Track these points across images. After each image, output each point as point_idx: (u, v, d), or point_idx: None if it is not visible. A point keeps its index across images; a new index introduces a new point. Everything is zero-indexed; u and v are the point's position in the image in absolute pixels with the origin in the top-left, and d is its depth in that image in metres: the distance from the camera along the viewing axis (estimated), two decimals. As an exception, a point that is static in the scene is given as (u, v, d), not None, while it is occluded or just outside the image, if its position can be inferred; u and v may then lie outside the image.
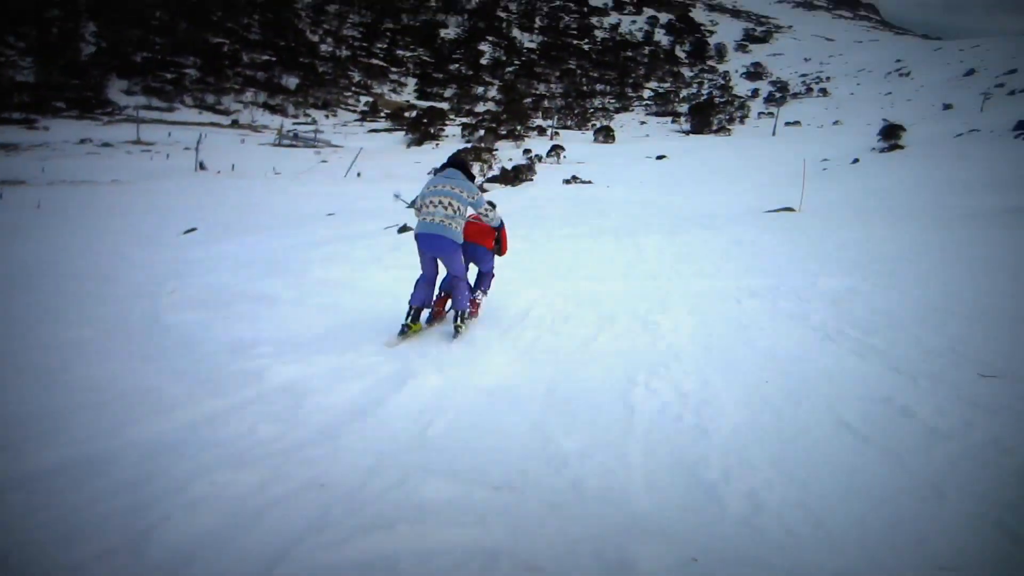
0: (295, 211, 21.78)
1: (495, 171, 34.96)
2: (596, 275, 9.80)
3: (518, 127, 71.65)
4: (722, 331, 6.86)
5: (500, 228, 6.63)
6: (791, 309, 7.47)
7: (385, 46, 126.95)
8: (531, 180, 34.00)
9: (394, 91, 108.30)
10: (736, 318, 7.32)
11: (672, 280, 9.39)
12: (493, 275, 6.86)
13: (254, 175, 40.50)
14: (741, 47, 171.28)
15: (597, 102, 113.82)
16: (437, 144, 63.54)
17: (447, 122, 77.44)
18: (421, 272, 6.11)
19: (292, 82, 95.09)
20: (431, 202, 5.84)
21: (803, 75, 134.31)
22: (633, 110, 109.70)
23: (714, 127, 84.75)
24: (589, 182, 36.00)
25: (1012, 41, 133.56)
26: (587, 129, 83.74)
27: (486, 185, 29.45)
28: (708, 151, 59.48)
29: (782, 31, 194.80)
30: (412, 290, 6.07)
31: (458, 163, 6.18)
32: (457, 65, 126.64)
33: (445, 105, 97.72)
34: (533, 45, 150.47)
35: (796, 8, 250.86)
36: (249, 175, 40.37)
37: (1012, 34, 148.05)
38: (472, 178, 6.27)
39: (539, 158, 55.36)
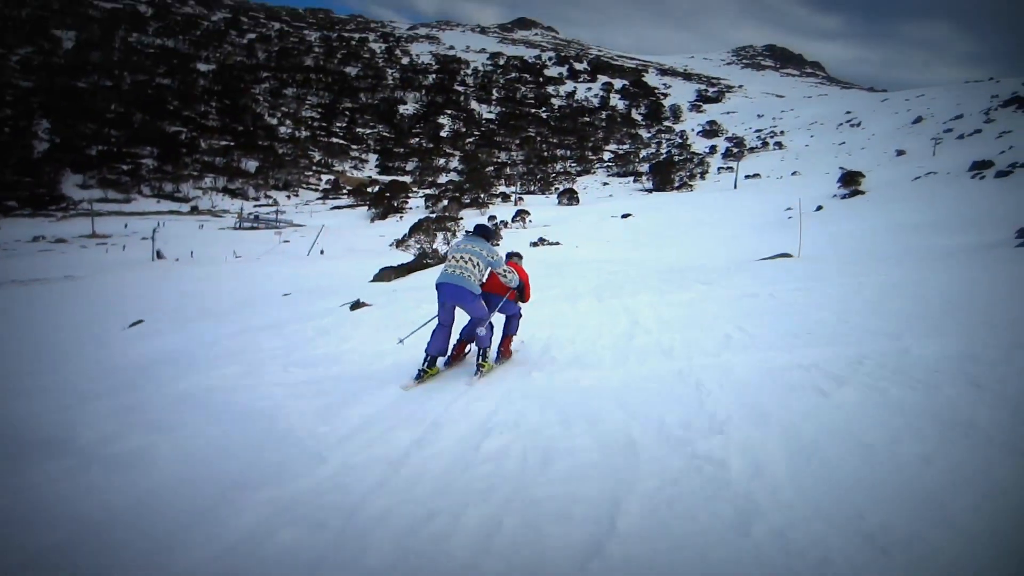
0: (250, 294, 20.45)
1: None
2: (583, 354, 6.69)
3: (481, 195, 71.49)
4: (847, 469, 3.58)
5: (521, 286, 6.97)
6: (920, 403, 4.44)
7: (344, 125, 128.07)
8: (496, 245, 33.11)
9: (355, 168, 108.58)
10: (845, 428, 4.10)
11: (693, 357, 6.15)
12: (520, 315, 7.02)
13: (214, 260, 39.26)
14: (695, 107, 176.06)
15: (559, 166, 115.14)
16: (401, 216, 62.92)
17: (410, 194, 77.22)
18: (438, 322, 6.36)
19: (252, 165, 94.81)
20: (455, 257, 6.33)
21: (758, 130, 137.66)
22: (595, 172, 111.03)
23: (676, 184, 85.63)
24: (557, 243, 35.26)
25: (953, 90, 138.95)
26: (551, 193, 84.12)
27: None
28: (674, 207, 59.53)
29: (733, 90, 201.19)
30: (429, 339, 6.29)
31: (481, 229, 6.70)
32: (417, 139, 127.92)
33: (407, 178, 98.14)
34: (492, 116, 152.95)
35: (745, 68, 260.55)
36: (209, 261, 39.14)
37: (952, 83, 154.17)
38: (493, 243, 6.88)
39: (504, 224, 54.89)
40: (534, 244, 33.45)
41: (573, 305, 10.37)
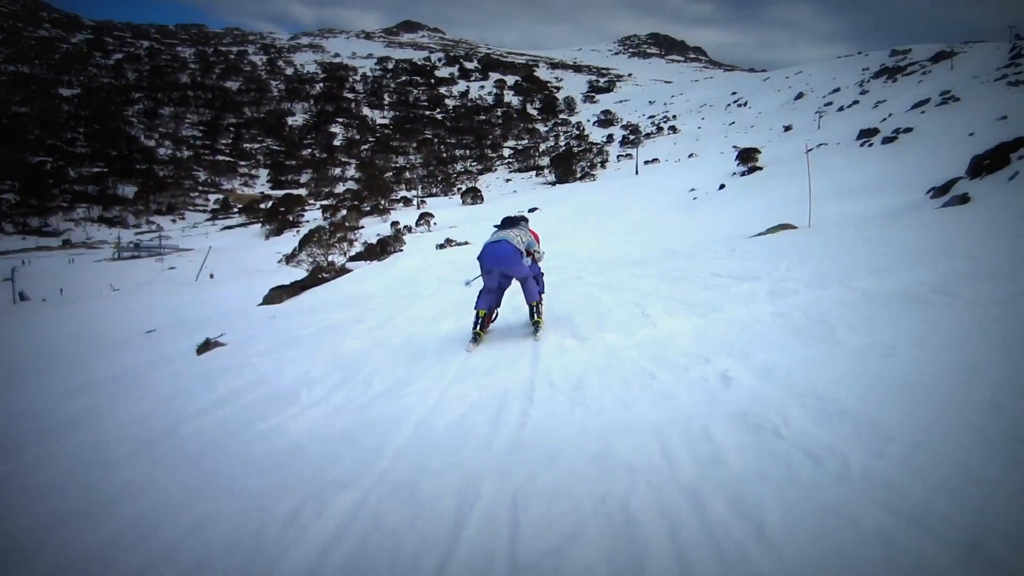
0: (108, 334, 17.42)
1: (357, 248, 31.31)
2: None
3: (382, 201, 68.60)
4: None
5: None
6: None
7: (230, 141, 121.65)
8: (400, 251, 30.72)
9: (246, 184, 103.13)
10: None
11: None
12: (542, 273, 7.58)
13: (86, 296, 35.18)
14: (588, 98, 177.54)
15: (459, 166, 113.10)
16: (298, 231, 59.27)
17: (306, 207, 73.46)
18: (484, 286, 7.07)
19: (130, 191, 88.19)
20: (498, 233, 7.09)
21: (651, 116, 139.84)
22: (496, 170, 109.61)
23: (578, 174, 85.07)
24: (466, 243, 33.20)
25: (827, 65, 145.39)
26: (453, 194, 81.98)
27: (348, 264, 25.80)
28: (580, 197, 58.54)
29: (623, 79, 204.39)
30: (478, 299, 7.02)
31: (508, 220, 7.46)
32: (310, 150, 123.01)
33: (303, 191, 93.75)
34: (386, 121, 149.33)
35: (632, 57, 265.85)
36: (80, 297, 34.99)
37: (825, 59, 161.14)
38: (521, 226, 7.42)
39: (408, 228, 52.43)
40: (440, 246, 31.25)
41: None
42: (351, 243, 30.43)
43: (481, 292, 7.08)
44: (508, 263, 6.80)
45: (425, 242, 39.16)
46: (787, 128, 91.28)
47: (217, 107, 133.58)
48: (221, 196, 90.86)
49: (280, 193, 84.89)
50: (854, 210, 26.63)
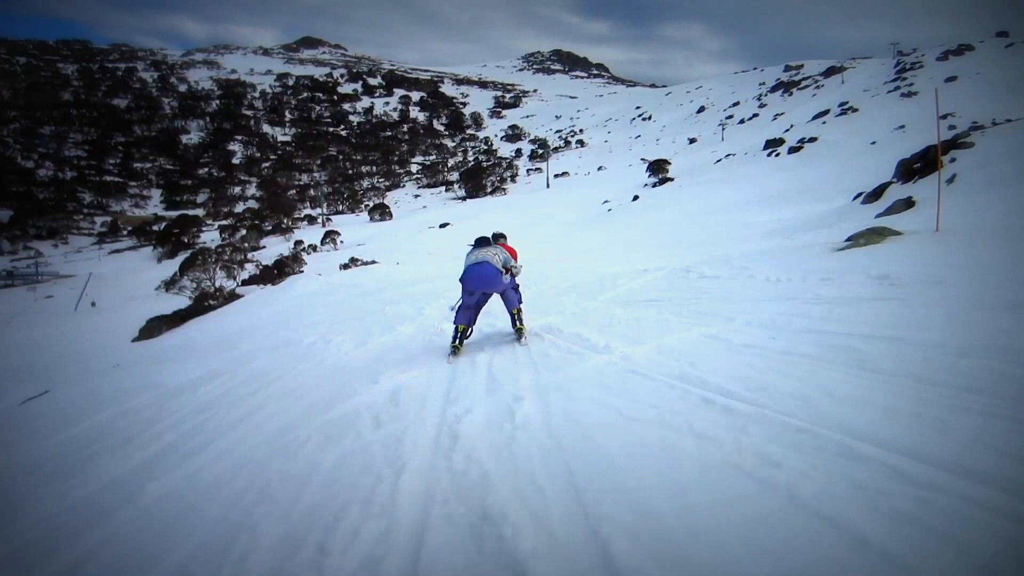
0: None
1: (248, 271, 28.71)
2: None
3: (285, 220, 65.41)
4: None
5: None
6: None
7: (119, 160, 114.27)
8: (300, 272, 28.43)
9: (136, 206, 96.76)
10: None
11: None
12: (517, 285, 7.84)
13: (-59, 333, 31.13)
14: (495, 113, 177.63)
15: (366, 183, 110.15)
16: (245, 254, 55.72)
17: (204, 227, 69.26)
18: (462, 303, 7.44)
19: (4, 215, 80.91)
20: (477, 252, 7.47)
21: (558, 131, 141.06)
22: (404, 186, 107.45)
23: (489, 189, 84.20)
24: (373, 262, 31.23)
25: (727, 80, 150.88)
26: (361, 211, 79.36)
27: (241, 289, 23.41)
28: (493, 211, 57.43)
29: (529, 95, 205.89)
30: (456, 314, 7.41)
31: (483, 240, 7.89)
32: (207, 168, 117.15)
33: (200, 211, 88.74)
34: (288, 138, 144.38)
35: (537, 73, 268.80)
36: (-66, 334, 30.95)
37: (724, 75, 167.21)
38: (495, 245, 7.86)
39: (313, 248, 49.92)
40: (345, 266, 29.17)
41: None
42: (241, 265, 27.85)
43: (460, 308, 7.45)
44: (490, 282, 7.25)
45: (331, 260, 36.97)
46: (692, 140, 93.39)
47: (104, 126, 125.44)
48: (109, 218, 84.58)
49: (175, 214, 79.77)
50: (783, 216, 26.43)
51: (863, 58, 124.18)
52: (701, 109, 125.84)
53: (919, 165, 18.06)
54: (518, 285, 7.87)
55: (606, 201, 51.01)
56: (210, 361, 9.96)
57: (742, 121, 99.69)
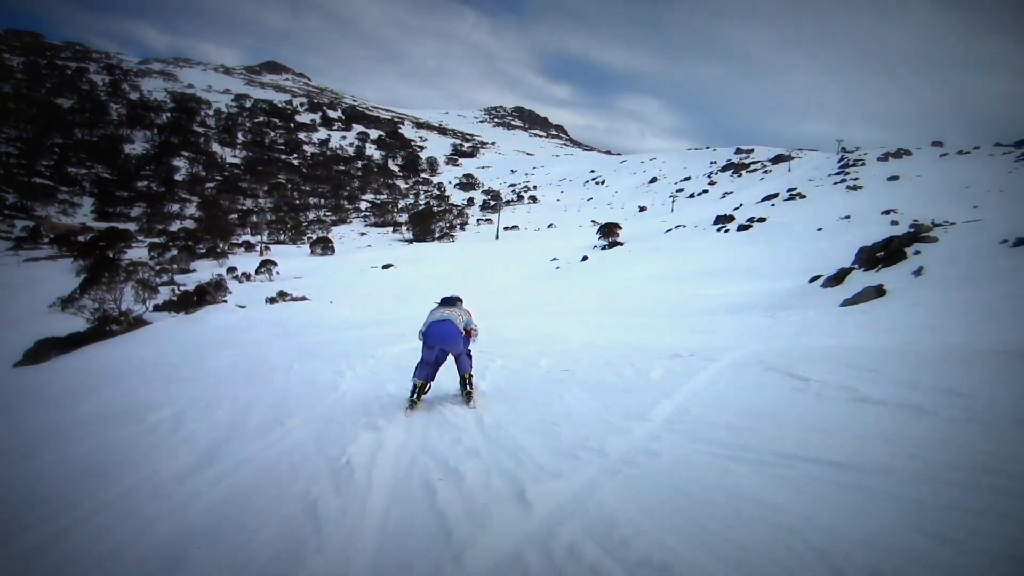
0: None
1: (163, 295, 26.27)
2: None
3: (220, 243, 62.49)
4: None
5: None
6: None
7: (52, 163, 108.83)
8: (223, 302, 26.16)
9: (64, 212, 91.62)
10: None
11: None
12: (470, 353, 8.11)
13: None
14: (452, 161, 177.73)
15: (312, 215, 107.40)
16: (156, 275, 52.33)
17: (133, 243, 65.62)
18: (422, 359, 7.78)
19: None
20: (440, 311, 7.91)
21: (512, 184, 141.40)
22: (351, 222, 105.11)
23: (437, 234, 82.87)
24: (304, 298, 29.16)
25: (679, 156, 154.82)
26: (303, 242, 76.78)
27: (148, 315, 21.08)
28: (439, 256, 55.98)
29: (487, 147, 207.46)
30: (415, 370, 7.74)
31: (450, 300, 8.19)
32: (147, 182, 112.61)
33: (132, 225, 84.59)
34: (237, 160, 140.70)
35: (497, 127, 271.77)
36: None
37: (677, 151, 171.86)
38: (458, 306, 8.16)
39: (247, 276, 47.44)
40: (272, 299, 27.02)
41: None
42: (154, 290, 25.33)
43: (419, 364, 7.77)
44: (451, 341, 7.64)
45: (259, 293, 34.75)
46: (642, 208, 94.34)
47: (42, 124, 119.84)
48: (31, 223, 79.65)
49: (105, 226, 75.75)
50: (736, 292, 25.67)
51: (810, 150, 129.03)
52: (653, 179, 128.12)
53: (883, 254, 17.51)
54: (471, 352, 8.12)
55: (555, 258, 50.18)
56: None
57: (692, 195, 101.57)
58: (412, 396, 7.55)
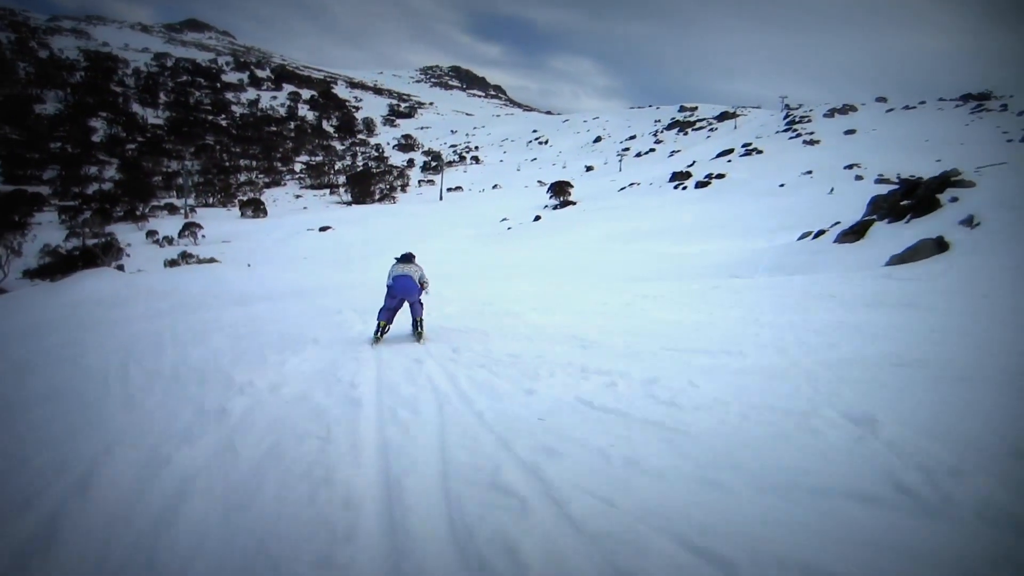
0: None
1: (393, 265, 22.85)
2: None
3: (140, 206, 57.84)
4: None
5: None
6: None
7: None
8: (116, 265, 22.91)
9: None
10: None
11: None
12: (422, 303, 9.69)
13: None
14: (389, 121, 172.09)
15: (243, 177, 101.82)
16: (23, 234, 47.41)
17: (44, 207, 60.23)
18: (384, 304, 9.42)
19: None
20: (401, 267, 9.57)
21: (453, 145, 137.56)
22: (285, 184, 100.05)
23: (377, 196, 79.31)
24: (212, 260, 26.00)
25: (622, 115, 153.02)
26: (233, 205, 72.18)
27: (7, 282, 17.78)
28: (381, 219, 52.83)
29: (425, 107, 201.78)
30: (379, 314, 9.37)
31: (406, 255, 9.87)
32: (60, 144, 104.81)
33: (45, 188, 78.19)
34: (160, 121, 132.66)
35: (434, 87, 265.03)
36: None
37: (620, 109, 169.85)
38: (415, 263, 9.86)
39: (169, 240, 43.60)
40: (172, 262, 23.86)
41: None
42: (16, 251, 21.73)
43: (383, 309, 9.43)
44: (410, 293, 9.43)
45: (163, 257, 31.41)
46: (589, 168, 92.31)
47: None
48: (-76, 187, 72.65)
49: (12, 189, 69.61)
50: (711, 250, 23.71)
51: (753, 107, 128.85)
52: (598, 139, 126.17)
53: (910, 202, 15.32)
54: (423, 302, 9.63)
55: (504, 219, 47.83)
56: None
57: (639, 154, 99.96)
58: (376, 333, 9.25)
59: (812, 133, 73.08)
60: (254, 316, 10.73)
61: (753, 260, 18.17)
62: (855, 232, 16.35)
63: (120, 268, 23.40)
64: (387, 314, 9.37)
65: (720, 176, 50.72)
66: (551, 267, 22.22)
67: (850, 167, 48.27)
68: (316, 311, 11.20)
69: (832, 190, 39.60)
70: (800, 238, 21.30)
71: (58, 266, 21.08)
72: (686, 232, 30.73)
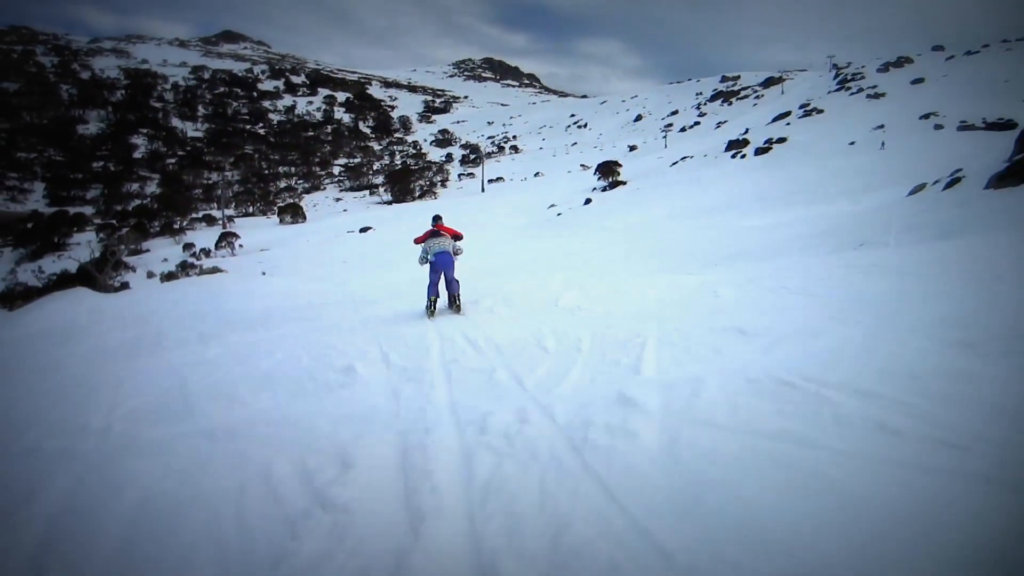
0: None
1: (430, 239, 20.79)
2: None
3: (178, 219, 56.75)
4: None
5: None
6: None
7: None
8: (123, 282, 20.93)
9: (13, 200, 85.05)
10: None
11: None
12: (458, 280, 10.29)
13: None
14: (424, 118, 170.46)
15: (283, 184, 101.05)
16: (61, 254, 46.56)
17: (87, 227, 59.85)
18: (431, 280, 10.04)
19: None
20: (437, 243, 10.23)
21: (490, 137, 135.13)
22: (325, 188, 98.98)
23: (417, 193, 77.32)
24: (216, 270, 23.85)
25: (662, 91, 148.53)
26: (273, 213, 71.01)
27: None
28: (421, 215, 50.50)
29: (460, 101, 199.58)
30: (427, 291, 10.02)
31: (437, 221, 10.78)
32: (103, 162, 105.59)
33: (88, 208, 78.34)
34: (199, 134, 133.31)
35: (468, 80, 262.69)
36: None
37: (659, 86, 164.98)
38: (437, 223, 10.78)
39: (206, 252, 42.02)
40: (168, 276, 21.83)
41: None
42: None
43: (429, 285, 10.02)
44: (449, 267, 10.07)
45: (234, 266, 29.46)
46: (632, 148, 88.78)
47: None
48: (-25, 213, 73.37)
49: (53, 211, 69.66)
50: (790, 220, 20.85)
51: (799, 70, 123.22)
52: (639, 118, 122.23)
53: None
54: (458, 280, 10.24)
55: (552, 205, 45.13)
56: None
57: (683, 129, 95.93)
58: (429, 308, 9.91)
59: (875, 87, 68.45)
60: (215, 362, 8.01)
61: (853, 226, 15.20)
62: (1013, 174, 13.15)
63: (124, 286, 21.41)
64: (434, 289, 10.01)
65: (781, 140, 47.12)
66: (614, 254, 19.47)
67: (926, 116, 44.38)
68: (315, 353, 7.80)
69: (883, 144, 36.21)
70: (911, 193, 18.22)
71: (56, 284, 19.15)
72: (756, 202, 27.63)
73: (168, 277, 21.47)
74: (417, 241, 10.77)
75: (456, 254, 10.29)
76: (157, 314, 11.90)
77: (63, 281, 19.30)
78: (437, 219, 10.80)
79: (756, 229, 20.59)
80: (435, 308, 9.83)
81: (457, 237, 10.73)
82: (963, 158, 24.51)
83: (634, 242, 22.96)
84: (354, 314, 10.65)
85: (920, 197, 18.16)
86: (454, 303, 9.99)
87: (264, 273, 22.51)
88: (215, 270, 22.43)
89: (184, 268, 23.07)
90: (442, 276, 10.00)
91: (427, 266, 10.22)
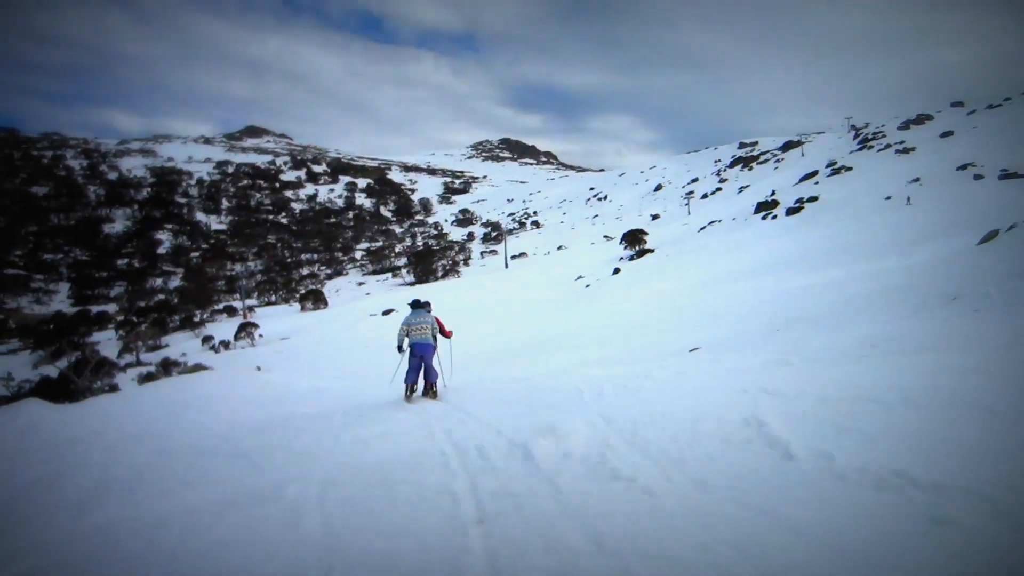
0: None
1: (409, 314, 18.60)
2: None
3: (197, 312, 55.52)
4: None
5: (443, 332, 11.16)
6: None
7: (27, 251, 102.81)
8: (111, 385, 19.07)
9: (38, 301, 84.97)
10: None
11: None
12: (436, 370, 10.87)
13: None
14: (445, 199, 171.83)
15: (305, 271, 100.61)
16: (78, 355, 45.16)
17: (107, 325, 58.92)
18: (410, 366, 10.44)
19: None
20: (418, 326, 10.65)
21: (511, 214, 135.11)
22: (347, 273, 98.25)
23: (439, 272, 76.02)
24: (199, 367, 21.88)
25: (680, 160, 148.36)
26: (295, 300, 69.87)
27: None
28: (446, 294, 48.93)
29: (479, 181, 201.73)
30: (405, 377, 10.40)
31: (419, 303, 11.28)
32: (127, 260, 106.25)
33: (112, 306, 77.84)
34: (223, 226, 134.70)
35: (486, 161, 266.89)
36: None
37: (679, 154, 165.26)
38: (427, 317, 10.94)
39: (225, 344, 40.35)
40: (145, 378, 19.88)
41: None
42: None
43: (409, 371, 10.40)
44: (429, 353, 10.49)
45: (225, 363, 27.55)
46: (655, 216, 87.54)
47: (14, 214, 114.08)
48: (1, 317, 73.02)
49: (76, 310, 69.13)
50: (835, 279, 18.78)
51: (816, 133, 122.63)
52: (659, 187, 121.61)
53: None
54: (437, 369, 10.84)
55: (580, 277, 43.18)
56: None
57: (705, 195, 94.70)
58: (407, 393, 10.33)
59: (902, 142, 66.80)
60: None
61: (928, 280, 13.21)
62: None
63: (113, 388, 19.44)
64: (414, 375, 10.40)
65: (813, 199, 45.18)
66: (656, 325, 17.34)
67: (963, 167, 42.35)
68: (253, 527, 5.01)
69: (909, 200, 34.40)
70: (983, 241, 16.36)
71: (6, 399, 17.20)
72: (798, 261, 25.60)
73: (147, 379, 19.50)
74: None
75: (446, 333, 10.93)
76: (94, 436, 9.52)
77: (40, 388, 17.41)
78: (417, 303, 11.35)
79: (805, 289, 18.66)
80: (411, 394, 10.27)
81: (443, 332, 11.02)
82: (992, 208, 23.15)
83: (677, 312, 20.90)
84: (333, 442, 7.69)
85: (997, 244, 16.10)
86: (430, 390, 10.44)
87: (259, 368, 20.52)
88: (198, 368, 20.45)
89: (166, 368, 21.13)
90: (420, 361, 10.36)
91: (406, 353, 10.57)
